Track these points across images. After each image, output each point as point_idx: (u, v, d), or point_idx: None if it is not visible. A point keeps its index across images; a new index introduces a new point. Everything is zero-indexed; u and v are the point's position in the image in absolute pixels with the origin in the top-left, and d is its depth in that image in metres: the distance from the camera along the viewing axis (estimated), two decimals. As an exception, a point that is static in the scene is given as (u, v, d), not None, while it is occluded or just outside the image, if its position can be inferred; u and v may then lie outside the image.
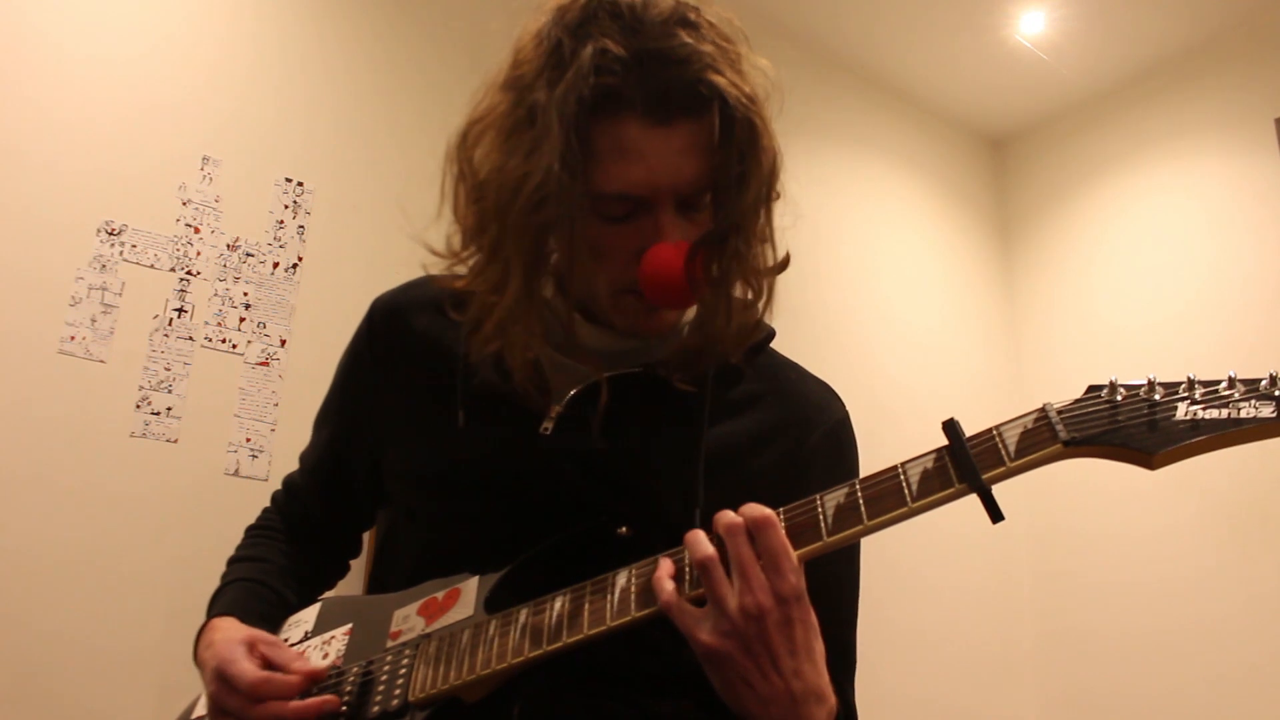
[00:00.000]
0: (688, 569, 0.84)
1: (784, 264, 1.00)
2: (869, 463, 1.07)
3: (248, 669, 0.94)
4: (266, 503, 1.28)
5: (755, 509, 0.81)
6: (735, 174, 0.92)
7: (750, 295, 1.00)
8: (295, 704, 0.92)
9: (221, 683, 0.95)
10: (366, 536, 1.30)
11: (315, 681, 0.96)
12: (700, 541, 0.82)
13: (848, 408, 1.10)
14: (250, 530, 1.24)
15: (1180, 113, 3.84)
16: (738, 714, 0.82)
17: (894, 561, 3.38)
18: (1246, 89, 3.65)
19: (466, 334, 1.02)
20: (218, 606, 1.10)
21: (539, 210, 0.89)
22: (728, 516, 0.82)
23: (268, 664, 0.97)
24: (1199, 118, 3.77)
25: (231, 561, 1.19)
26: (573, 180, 0.88)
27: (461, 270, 1.04)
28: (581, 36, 0.90)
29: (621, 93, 0.89)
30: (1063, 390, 0.81)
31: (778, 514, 0.83)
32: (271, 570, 1.16)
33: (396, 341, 1.11)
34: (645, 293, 0.94)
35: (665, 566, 0.84)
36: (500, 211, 0.92)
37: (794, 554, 0.81)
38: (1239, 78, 3.68)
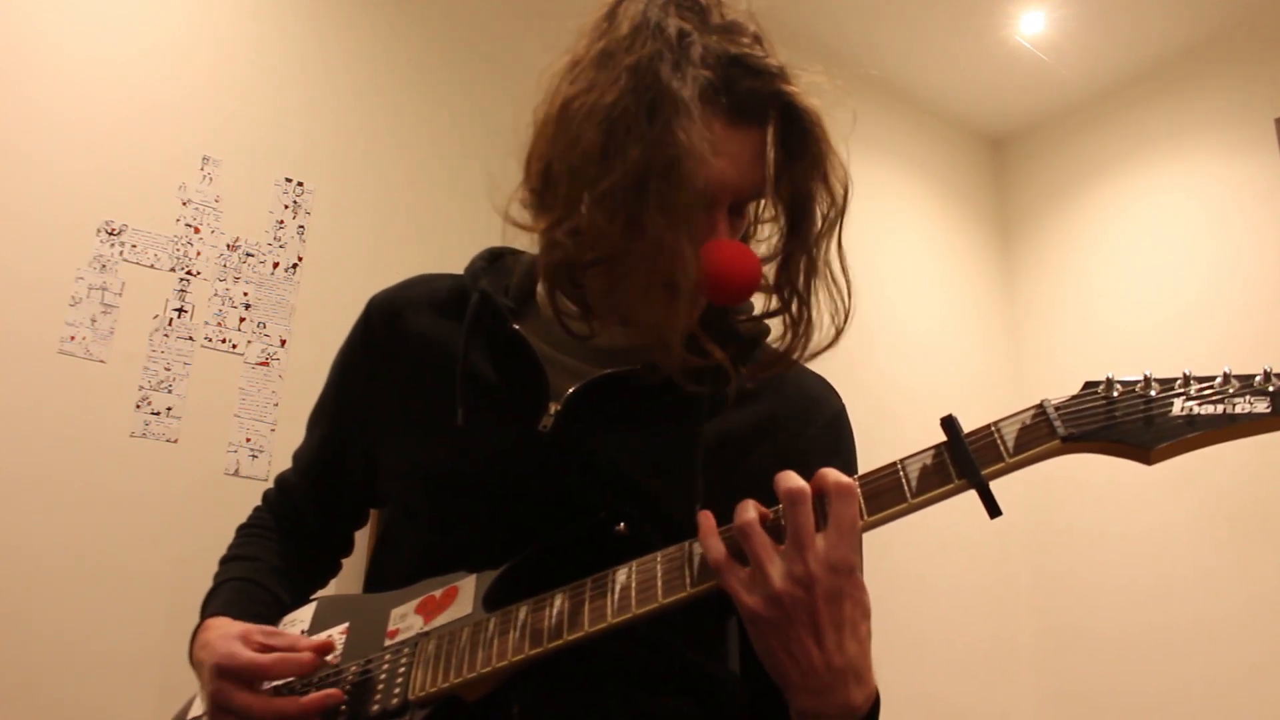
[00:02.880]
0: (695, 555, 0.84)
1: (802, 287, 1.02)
2: (868, 463, 1.07)
3: (256, 656, 0.94)
4: (261, 501, 1.27)
5: (836, 475, 0.80)
6: (813, 186, 0.96)
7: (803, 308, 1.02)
8: (301, 699, 0.91)
9: (224, 679, 0.94)
10: (361, 536, 1.30)
11: (326, 652, 0.96)
12: (746, 507, 0.81)
13: (847, 407, 1.10)
14: (242, 529, 1.24)
15: (1180, 113, 3.84)
16: (776, 680, 0.81)
17: (893, 559, 3.38)
18: (1246, 89, 3.65)
19: (518, 321, 1.03)
20: (211, 607, 1.09)
21: (690, 192, 0.89)
22: (792, 480, 0.80)
23: (268, 652, 0.97)
24: (1199, 118, 3.78)
25: (223, 561, 1.19)
26: (711, 159, 0.90)
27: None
28: (681, 28, 0.92)
29: (715, 89, 0.92)
30: (1062, 390, 0.81)
31: (772, 511, 0.82)
32: (264, 569, 1.15)
33: (394, 340, 1.11)
34: (710, 285, 0.94)
35: (708, 522, 0.83)
36: (640, 190, 0.90)
37: (860, 530, 0.80)
38: (1239, 78, 3.68)
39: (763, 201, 1.01)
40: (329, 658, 0.99)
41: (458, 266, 1.16)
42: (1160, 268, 3.75)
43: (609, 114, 0.91)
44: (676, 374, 0.96)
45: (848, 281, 1.01)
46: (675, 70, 0.90)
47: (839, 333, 1.02)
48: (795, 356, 1.03)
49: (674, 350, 0.95)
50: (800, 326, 1.01)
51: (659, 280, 0.92)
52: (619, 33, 0.94)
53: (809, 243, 0.98)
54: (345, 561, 1.29)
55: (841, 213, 0.98)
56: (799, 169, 0.95)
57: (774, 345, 1.05)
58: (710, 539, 0.81)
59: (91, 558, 2.28)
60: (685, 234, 0.91)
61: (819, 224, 0.98)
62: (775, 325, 1.05)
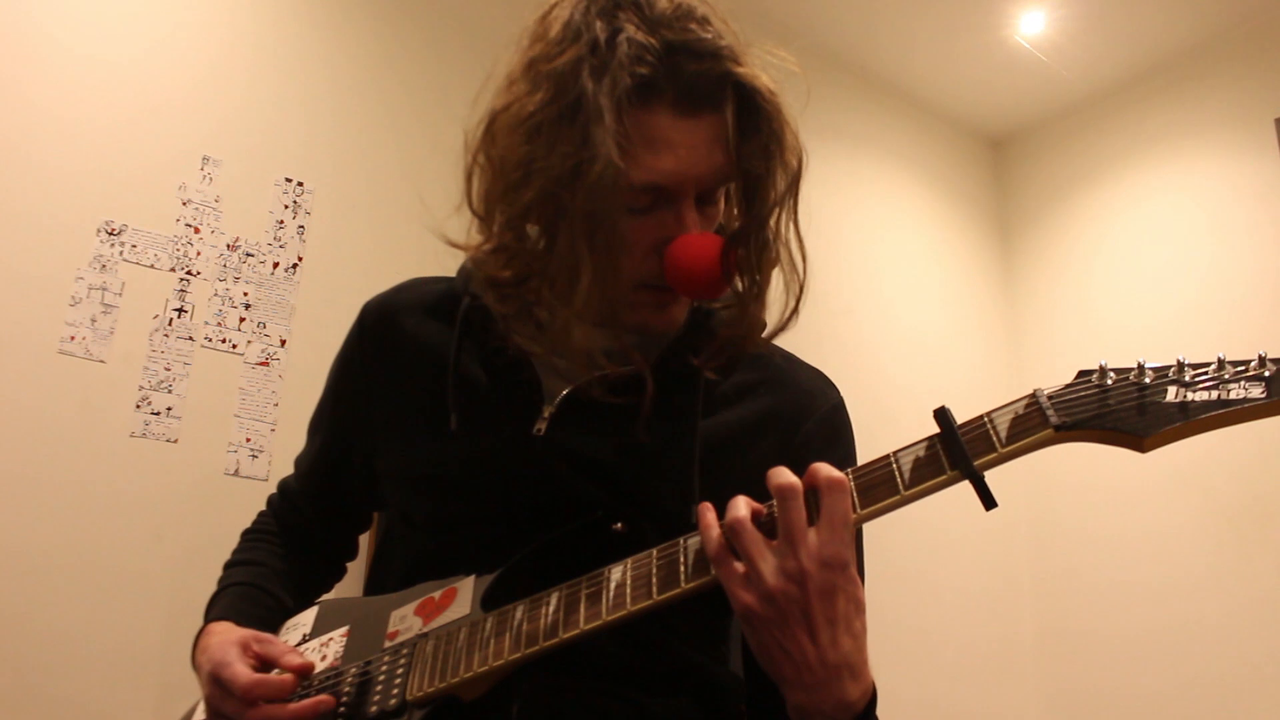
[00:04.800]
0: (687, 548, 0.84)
1: (773, 261, 1.01)
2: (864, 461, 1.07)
3: (241, 671, 0.94)
4: (265, 506, 1.28)
5: (828, 470, 0.80)
6: (766, 165, 0.94)
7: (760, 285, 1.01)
8: (291, 706, 0.92)
9: (216, 686, 0.95)
10: (364, 539, 1.30)
11: (306, 674, 0.96)
12: (737, 504, 0.81)
13: (846, 405, 1.09)
14: (246, 534, 1.24)
15: (1180, 113, 3.84)
16: (771, 677, 0.81)
17: (894, 560, 3.38)
18: (1246, 89, 3.65)
19: (508, 325, 1.02)
20: (214, 611, 1.10)
21: (595, 198, 0.88)
22: (784, 475, 0.80)
23: (262, 662, 0.97)
24: (1199, 118, 3.77)
25: (228, 566, 1.19)
26: (627, 168, 0.88)
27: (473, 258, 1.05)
28: (614, 27, 0.91)
29: (655, 83, 0.90)
30: (1063, 390, 0.80)
31: (767, 507, 0.82)
32: (268, 574, 1.16)
33: (388, 344, 1.11)
34: (674, 282, 0.94)
35: (708, 515, 0.83)
36: (555, 201, 0.91)
37: (852, 524, 0.79)
38: (1239, 78, 3.68)
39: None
40: (327, 662, 1.00)
41: (458, 268, 1.16)
42: (1160, 268, 3.75)
43: (530, 124, 0.91)
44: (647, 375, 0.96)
45: (804, 256, 0.99)
46: (595, 75, 0.89)
47: (796, 308, 1.01)
48: (753, 336, 1.02)
49: (597, 360, 0.95)
50: (752, 305, 1.01)
51: (585, 291, 0.91)
52: (547, 40, 0.94)
53: (762, 220, 0.96)
54: (348, 565, 1.30)
55: (795, 187, 0.97)
56: (751, 148, 0.94)
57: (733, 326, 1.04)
58: (710, 531, 0.81)
59: (91, 558, 2.28)
60: (607, 241, 0.90)
61: (771, 201, 0.96)
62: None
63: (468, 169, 0.99)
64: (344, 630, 1.02)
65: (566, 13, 0.93)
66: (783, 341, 1.07)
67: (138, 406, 2.41)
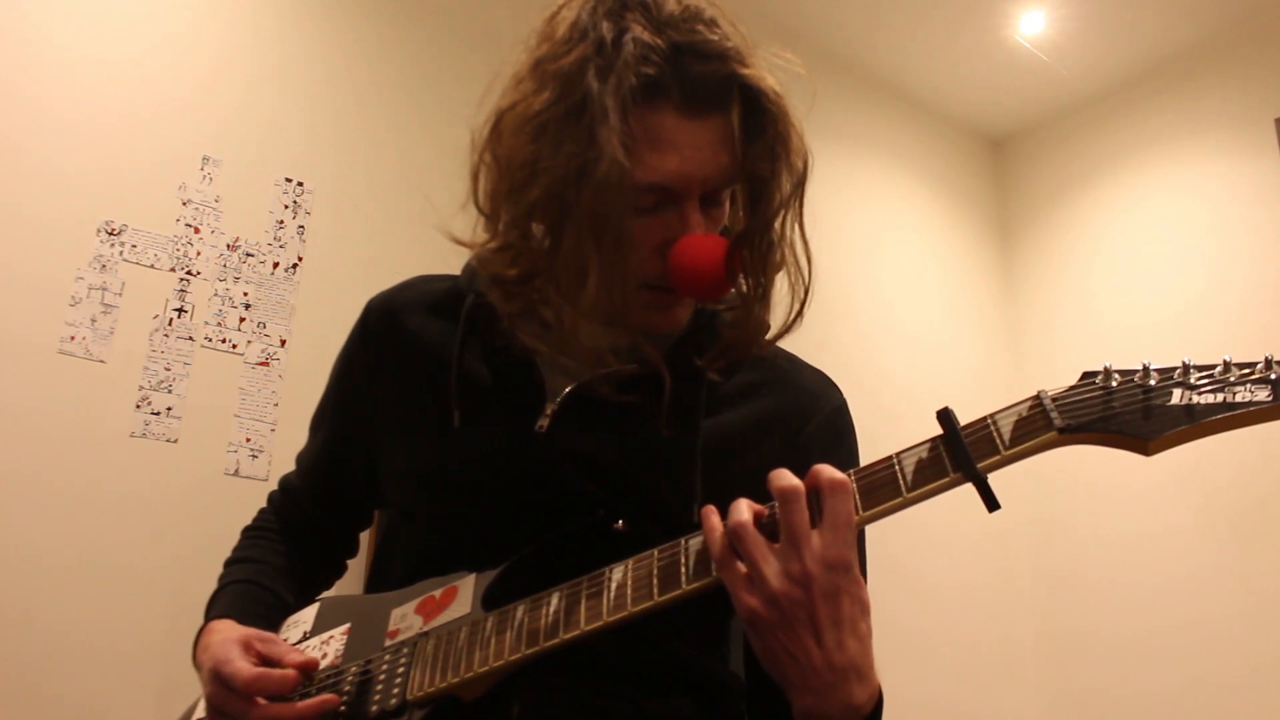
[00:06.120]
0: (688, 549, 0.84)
1: (779, 265, 1.01)
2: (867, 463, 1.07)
3: (243, 667, 0.93)
4: (266, 503, 1.28)
5: (830, 471, 0.79)
6: (772, 167, 0.94)
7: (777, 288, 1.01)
8: (297, 705, 0.92)
9: (218, 683, 0.95)
10: (365, 536, 1.30)
11: (310, 671, 0.96)
12: (739, 507, 0.81)
13: (847, 405, 1.10)
14: (247, 531, 1.24)
15: (1180, 113, 3.84)
16: (777, 680, 0.80)
17: (894, 560, 3.38)
18: (1246, 89, 3.65)
19: (513, 323, 1.02)
20: (215, 609, 1.10)
21: (600, 198, 0.88)
22: (785, 478, 0.79)
23: (263, 661, 0.97)
24: (1199, 118, 3.77)
25: (228, 563, 1.19)
26: (632, 168, 0.89)
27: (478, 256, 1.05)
28: (620, 27, 0.91)
29: (660, 83, 0.90)
30: (1062, 391, 0.80)
31: (768, 509, 0.82)
32: (268, 571, 1.15)
33: (391, 342, 1.11)
34: (677, 284, 0.94)
35: (712, 518, 0.82)
36: (561, 200, 0.91)
37: (855, 525, 0.79)
38: (1239, 78, 3.68)
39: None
40: (327, 660, 1.00)
41: (458, 267, 1.16)
42: (1160, 267, 3.75)
43: (536, 123, 0.91)
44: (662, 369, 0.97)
45: (809, 258, 0.99)
46: (600, 75, 0.89)
47: (801, 310, 1.01)
48: (757, 338, 1.02)
49: (604, 358, 0.95)
50: (755, 307, 1.01)
51: (590, 291, 0.91)
52: (554, 40, 0.94)
53: (766, 222, 0.96)
54: (349, 563, 1.30)
55: (800, 189, 0.97)
56: (756, 150, 0.94)
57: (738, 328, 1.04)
58: (714, 534, 0.81)
59: (91, 558, 2.28)
60: (613, 241, 0.90)
61: (776, 203, 0.96)
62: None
63: (474, 167, 0.99)
64: (344, 628, 1.02)
65: (574, 13, 0.94)
66: (782, 341, 1.07)
67: (138, 406, 2.41)
